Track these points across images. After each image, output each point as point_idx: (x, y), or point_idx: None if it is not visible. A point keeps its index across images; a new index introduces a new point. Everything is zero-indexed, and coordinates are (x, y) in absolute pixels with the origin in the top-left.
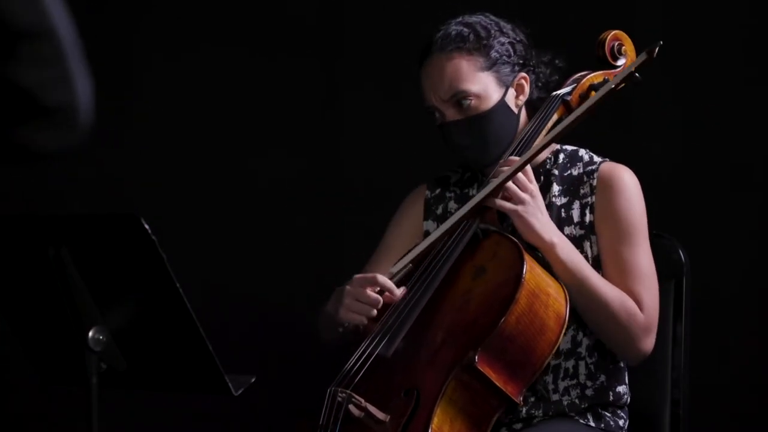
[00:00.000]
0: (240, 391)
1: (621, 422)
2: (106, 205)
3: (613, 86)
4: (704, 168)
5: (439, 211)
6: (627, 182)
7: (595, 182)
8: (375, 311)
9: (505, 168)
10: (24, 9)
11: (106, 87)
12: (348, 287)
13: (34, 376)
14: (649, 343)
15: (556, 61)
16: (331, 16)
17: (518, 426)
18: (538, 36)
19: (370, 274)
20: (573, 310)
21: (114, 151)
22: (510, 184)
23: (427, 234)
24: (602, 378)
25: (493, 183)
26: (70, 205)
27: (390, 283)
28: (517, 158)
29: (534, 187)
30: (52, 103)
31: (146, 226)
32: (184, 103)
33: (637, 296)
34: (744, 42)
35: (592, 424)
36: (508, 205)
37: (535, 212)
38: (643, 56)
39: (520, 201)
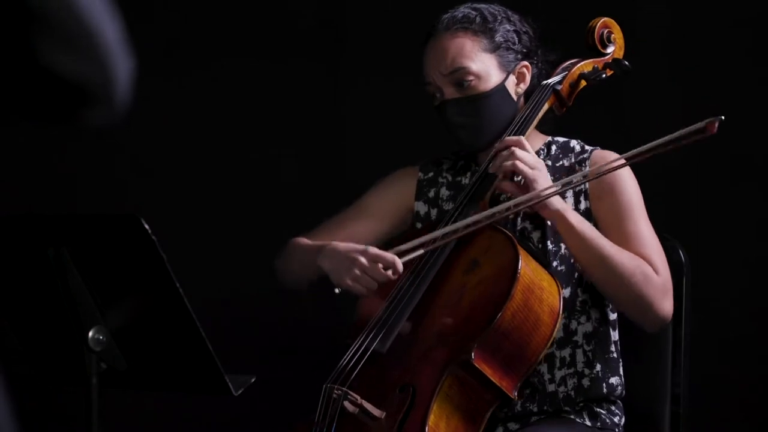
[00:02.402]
0: (240, 391)
1: (617, 419)
2: (106, 205)
3: (650, 148)
4: (705, 168)
5: (431, 194)
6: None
7: (587, 169)
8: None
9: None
10: None
11: None
12: (361, 258)
13: (34, 376)
14: (668, 305)
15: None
16: (333, 17)
17: (515, 426)
18: (540, 31)
19: (389, 255)
20: (565, 298)
21: (114, 151)
22: (520, 164)
23: (417, 216)
24: (598, 367)
25: (526, 198)
26: (71, 205)
27: (401, 269)
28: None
29: (537, 159)
30: (86, 85)
31: (146, 227)
32: (185, 105)
33: (649, 260)
34: (748, 41)
35: (588, 423)
36: (523, 167)
37: (546, 177)
38: (701, 125)
39: (530, 167)
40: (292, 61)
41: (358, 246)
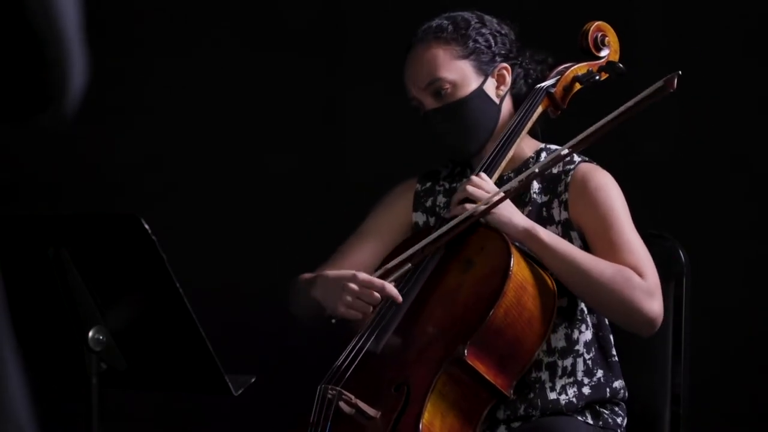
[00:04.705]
0: (240, 391)
1: (619, 420)
2: (106, 205)
3: (616, 116)
4: (704, 168)
5: (428, 203)
6: (599, 176)
7: (569, 179)
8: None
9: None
10: None
11: (108, 86)
12: (351, 284)
13: (34, 376)
14: (656, 306)
15: (549, 60)
16: (333, 15)
17: (516, 424)
18: (537, 34)
19: (378, 281)
20: (564, 307)
21: (114, 150)
22: (469, 188)
23: (416, 226)
24: (600, 373)
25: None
26: (71, 206)
27: (397, 295)
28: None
29: (490, 184)
30: (44, 83)
31: (146, 226)
32: (185, 103)
33: (634, 266)
34: (743, 41)
35: (591, 422)
36: (480, 207)
37: (505, 205)
38: (660, 84)
39: (485, 191)
40: (293, 59)
41: (347, 272)
